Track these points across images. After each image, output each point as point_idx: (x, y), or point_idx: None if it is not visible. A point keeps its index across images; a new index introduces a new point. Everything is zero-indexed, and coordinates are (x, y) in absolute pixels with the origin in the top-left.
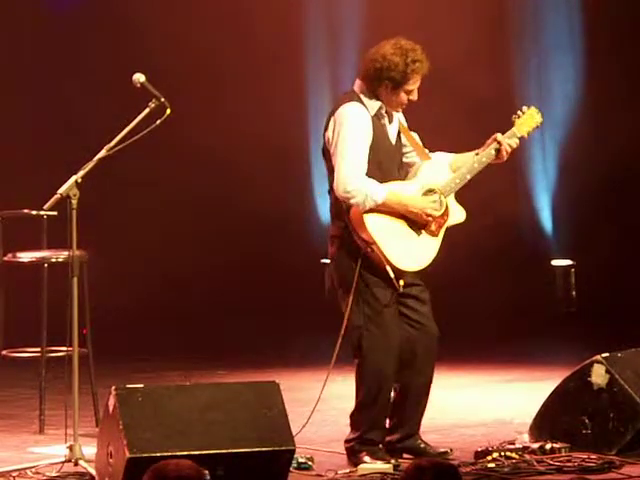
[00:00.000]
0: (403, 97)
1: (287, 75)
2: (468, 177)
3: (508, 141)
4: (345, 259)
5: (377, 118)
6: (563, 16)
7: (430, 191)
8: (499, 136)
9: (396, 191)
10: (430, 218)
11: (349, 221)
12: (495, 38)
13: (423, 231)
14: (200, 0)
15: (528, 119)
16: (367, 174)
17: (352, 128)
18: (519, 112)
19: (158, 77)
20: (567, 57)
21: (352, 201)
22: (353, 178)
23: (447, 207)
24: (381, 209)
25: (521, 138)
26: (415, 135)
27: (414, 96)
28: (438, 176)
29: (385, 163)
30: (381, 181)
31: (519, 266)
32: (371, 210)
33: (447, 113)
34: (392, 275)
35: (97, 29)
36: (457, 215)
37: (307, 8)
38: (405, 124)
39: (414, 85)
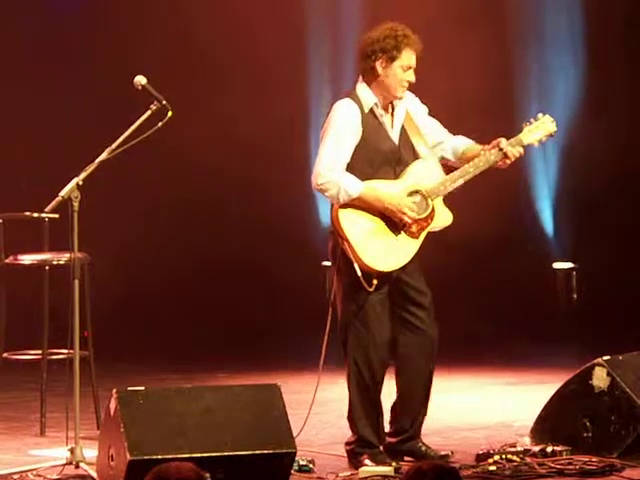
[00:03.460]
0: (400, 74)
1: (288, 76)
2: (461, 181)
3: (512, 149)
4: (335, 255)
5: (372, 114)
6: (564, 15)
7: (416, 192)
8: (503, 142)
9: (375, 187)
10: (405, 217)
11: (330, 214)
12: (496, 38)
13: (402, 232)
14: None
15: (540, 127)
16: (356, 171)
17: (336, 123)
18: (531, 119)
19: (158, 78)
20: (569, 57)
21: (326, 194)
22: (328, 171)
23: (433, 210)
24: (359, 205)
25: (529, 146)
26: (436, 124)
27: (412, 77)
28: (428, 178)
29: (377, 161)
30: (371, 179)
31: (520, 269)
32: (348, 205)
33: (448, 112)
34: (359, 273)
35: (96, 28)
36: (443, 219)
37: (309, 8)
38: (417, 116)
39: (408, 61)
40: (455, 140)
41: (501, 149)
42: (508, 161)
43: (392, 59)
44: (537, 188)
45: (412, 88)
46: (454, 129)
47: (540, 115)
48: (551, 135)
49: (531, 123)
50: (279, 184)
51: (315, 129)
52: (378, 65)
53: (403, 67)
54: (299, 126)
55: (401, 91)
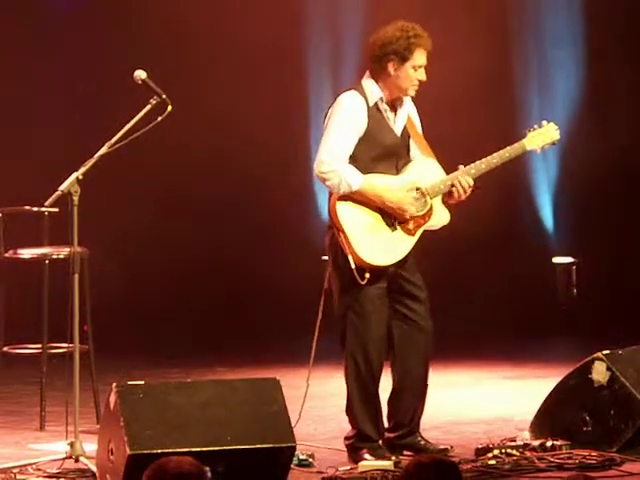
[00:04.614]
0: (412, 74)
1: (288, 75)
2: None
3: (461, 179)
4: (332, 248)
5: (376, 109)
6: (564, 13)
7: (415, 189)
8: (459, 173)
9: (375, 181)
10: (406, 214)
11: (328, 206)
12: (496, 36)
13: (399, 228)
14: None
15: (543, 133)
16: (359, 163)
17: (341, 114)
18: (535, 126)
19: (157, 74)
20: (568, 54)
21: (327, 183)
22: (332, 160)
23: (431, 208)
24: (357, 198)
25: (532, 152)
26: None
27: (423, 75)
28: (428, 175)
29: (380, 154)
30: (373, 172)
31: (520, 264)
32: (346, 198)
33: (448, 112)
34: (353, 266)
35: (95, 25)
36: (440, 218)
37: (308, 7)
38: (416, 120)
39: (420, 60)
40: None
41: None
42: (456, 194)
43: (404, 60)
44: (537, 183)
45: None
46: (454, 129)
47: (544, 122)
48: (554, 143)
49: (535, 129)
50: (279, 180)
51: (315, 125)
52: (390, 67)
53: (415, 67)
54: (299, 122)
55: (412, 90)
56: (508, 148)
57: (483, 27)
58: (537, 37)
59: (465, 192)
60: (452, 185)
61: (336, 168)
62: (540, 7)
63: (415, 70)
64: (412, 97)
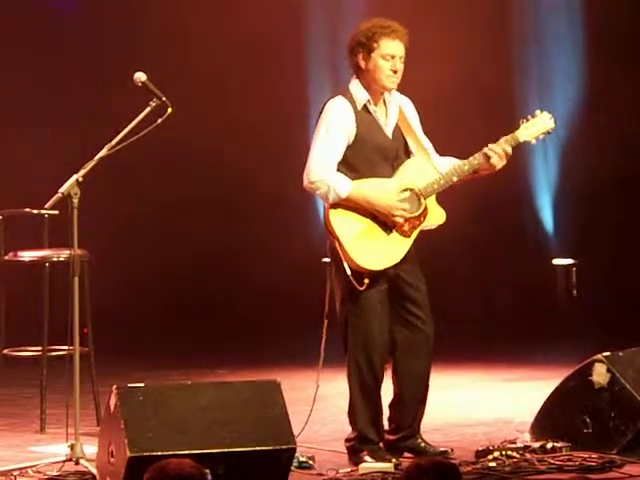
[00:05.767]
0: (383, 64)
1: (288, 75)
2: (454, 179)
3: (496, 148)
4: (332, 253)
5: (365, 111)
6: (564, 16)
7: (409, 190)
8: (489, 145)
9: (365, 188)
10: (396, 219)
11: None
12: (495, 37)
13: (394, 231)
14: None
15: (537, 123)
16: (354, 169)
17: (328, 121)
18: (529, 116)
19: (159, 79)
20: (568, 57)
21: (317, 192)
22: (319, 169)
23: (425, 208)
24: (349, 205)
25: (526, 144)
26: (425, 139)
27: (397, 65)
28: (421, 176)
29: (374, 157)
30: (369, 176)
31: (520, 265)
32: (339, 205)
33: (447, 112)
34: (349, 272)
35: (95, 25)
36: (435, 217)
37: (308, 7)
38: (410, 117)
39: (389, 49)
40: (446, 158)
41: (486, 152)
42: (494, 161)
43: (370, 50)
44: (537, 184)
45: (413, 85)
46: (453, 129)
47: (538, 112)
48: (548, 132)
49: (528, 120)
50: (279, 180)
51: (314, 126)
52: (360, 60)
53: (384, 56)
54: (299, 123)
55: (389, 81)
56: (500, 141)
57: (483, 27)
58: (537, 37)
59: (501, 159)
60: (488, 155)
61: (324, 177)
62: (540, 7)
63: (387, 60)
64: (404, 94)
